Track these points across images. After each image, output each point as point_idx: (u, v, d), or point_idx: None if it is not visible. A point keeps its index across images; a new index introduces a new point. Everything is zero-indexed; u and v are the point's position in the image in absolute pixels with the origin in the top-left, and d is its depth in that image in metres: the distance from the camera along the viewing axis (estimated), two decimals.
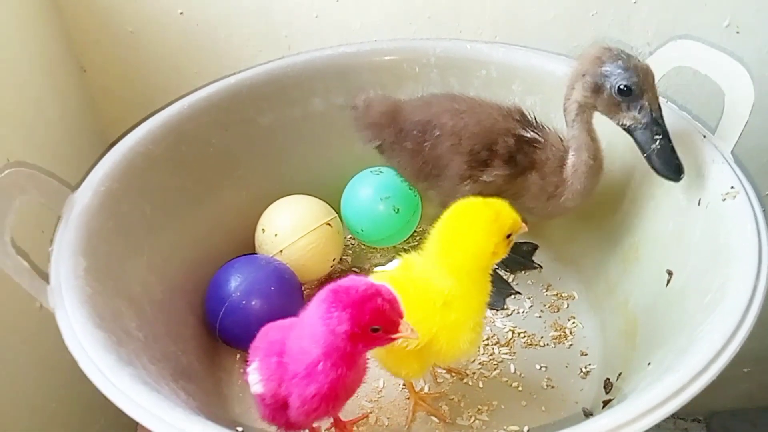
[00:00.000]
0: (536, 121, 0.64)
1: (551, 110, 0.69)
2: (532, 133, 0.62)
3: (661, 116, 0.55)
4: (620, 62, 0.54)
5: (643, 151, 0.55)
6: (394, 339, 0.45)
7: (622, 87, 0.53)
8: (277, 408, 0.49)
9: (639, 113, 0.54)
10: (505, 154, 0.62)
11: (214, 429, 0.39)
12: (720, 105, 0.58)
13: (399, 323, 0.44)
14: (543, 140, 0.62)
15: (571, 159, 0.60)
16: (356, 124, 0.69)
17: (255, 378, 0.49)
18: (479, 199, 0.51)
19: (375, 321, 0.43)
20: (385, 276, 0.55)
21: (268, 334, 0.52)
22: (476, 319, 0.53)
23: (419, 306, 0.51)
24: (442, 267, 0.51)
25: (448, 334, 0.51)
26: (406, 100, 0.69)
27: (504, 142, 0.61)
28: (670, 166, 0.54)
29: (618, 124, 0.56)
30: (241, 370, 0.66)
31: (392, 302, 0.44)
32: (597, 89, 0.55)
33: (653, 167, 0.55)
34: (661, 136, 0.54)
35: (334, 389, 0.46)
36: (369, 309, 0.43)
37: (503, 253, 0.52)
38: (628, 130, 0.56)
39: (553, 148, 0.62)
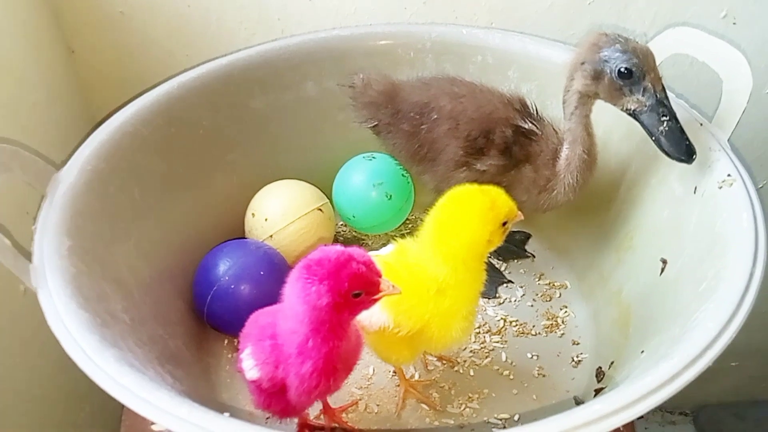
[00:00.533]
0: (536, 112, 0.63)
1: (547, 97, 0.69)
2: (530, 125, 0.61)
3: (666, 97, 0.54)
4: (618, 45, 0.53)
5: (651, 134, 0.54)
6: (377, 299, 0.44)
7: (622, 70, 0.52)
8: (274, 392, 0.49)
9: (643, 96, 0.53)
10: (501, 144, 0.61)
11: (200, 411, 0.38)
12: (717, 93, 0.57)
13: (379, 283, 0.44)
14: (540, 132, 0.61)
15: (565, 152, 0.59)
16: (353, 102, 0.68)
17: (249, 363, 0.48)
18: (475, 186, 0.51)
19: (355, 286, 0.43)
20: (379, 260, 0.54)
21: (258, 319, 0.51)
22: (469, 308, 0.52)
23: (413, 292, 0.50)
24: (437, 254, 0.51)
25: (441, 322, 0.51)
26: (404, 81, 0.68)
27: (501, 131, 0.61)
28: (681, 148, 0.53)
29: (623, 109, 0.55)
30: (230, 356, 0.65)
31: (368, 263, 0.43)
32: (597, 76, 0.54)
33: (663, 150, 0.53)
34: (668, 118, 0.53)
35: (331, 362, 0.46)
36: (346, 276, 0.42)
37: (498, 242, 0.51)
38: (634, 115, 0.54)
39: (548, 141, 0.61)
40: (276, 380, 0.47)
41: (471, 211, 0.49)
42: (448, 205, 0.51)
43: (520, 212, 0.50)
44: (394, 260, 0.53)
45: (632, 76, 0.53)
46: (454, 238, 0.50)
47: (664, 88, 0.54)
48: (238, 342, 0.52)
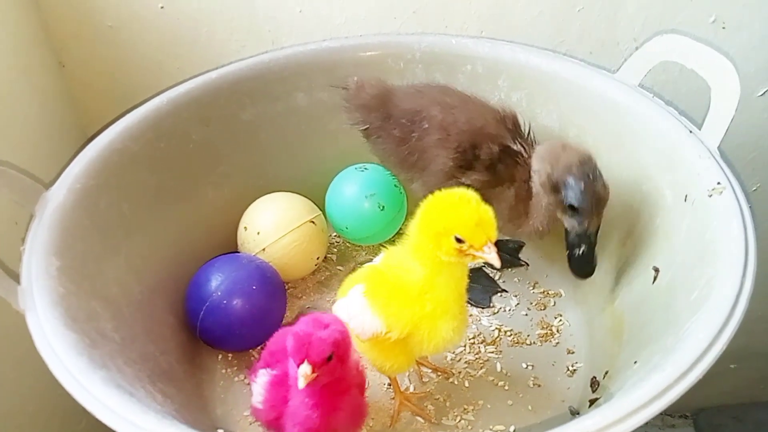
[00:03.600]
0: (528, 134, 0.63)
1: (537, 106, 0.69)
2: (518, 146, 0.62)
3: (596, 233, 0.59)
4: (582, 184, 0.56)
5: (567, 248, 0.61)
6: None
7: (570, 204, 0.57)
8: (271, 420, 0.50)
9: (578, 225, 0.58)
10: (486, 161, 0.61)
11: None
12: (706, 100, 0.57)
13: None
14: (527, 156, 0.61)
15: (534, 200, 0.61)
16: (346, 104, 0.68)
17: (258, 390, 0.51)
18: (461, 192, 0.49)
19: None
20: (369, 269, 0.54)
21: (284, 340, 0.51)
22: (455, 308, 0.51)
23: (397, 296, 0.50)
24: (415, 258, 0.50)
25: (429, 323, 0.51)
26: (398, 86, 0.67)
27: (488, 147, 0.61)
28: (580, 270, 0.61)
29: (560, 217, 0.59)
30: (224, 371, 0.65)
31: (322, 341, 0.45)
32: (555, 189, 0.58)
33: (569, 263, 0.61)
34: (585, 247, 0.59)
35: (325, 426, 0.47)
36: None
37: (449, 254, 0.48)
38: (565, 229, 0.60)
39: (530, 168, 0.61)
40: (274, 417, 0.49)
41: (428, 210, 0.49)
42: (425, 208, 0.50)
43: (489, 248, 0.47)
44: (382, 265, 0.54)
45: (577, 212, 0.57)
46: (423, 239, 0.49)
47: (598, 228, 0.59)
48: (258, 359, 0.54)
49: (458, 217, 0.47)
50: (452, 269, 0.49)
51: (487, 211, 0.47)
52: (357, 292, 0.52)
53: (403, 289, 0.50)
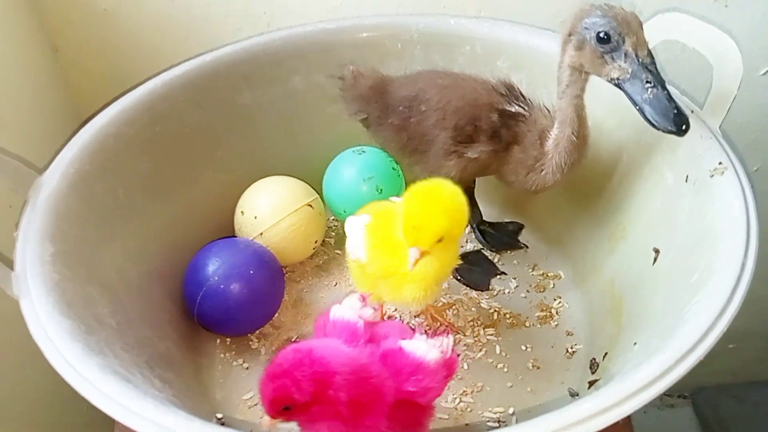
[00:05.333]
0: (522, 94, 0.62)
1: (537, 87, 0.68)
2: (516, 107, 0.61)
3: (653, 62, 0.50)
4: (598, 11, 0.51)
5: (634, 104, 0.51)
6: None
7: (600, 35, 0.50)
8: None
9: (624, 62, 0.50)
10: (488, 130, 0.60)
11: (185, 419, 0.38)
12: (708, 79, 0.56)
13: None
14: (527, 114, 0.60)
15: (554, 132, 0.58)
16: (343, 95, 0.68)
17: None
18: (433, 188, 0.51)
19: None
20: (386, 207, 0.56)
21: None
22: (427, 282, 0.53)
23: (387, 245, 0.53)
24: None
25: (397, 282, 0.53)
26: (393, 76, 0.67)
27: (488, 117, 0.60)
28: (668, 117, 0.49)
29: (608, 80, 0.52)
30: (222, 356, 0.64)
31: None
32: (581, 46, 0.52)
33: (648, 120, 0.50)
34: (652, 84, 0.50)
35: None
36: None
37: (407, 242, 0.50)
38: (618, 85, 0.51)
39: (536, 122, 0.60)
40: None
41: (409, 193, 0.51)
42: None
43: (414, 251, 0.49)
44: (398, 208, 0.54)
45: (611, 41, 0.50)
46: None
47: (650, 53, 0.51)
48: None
49: (406, 212, 0.50)
50: (438, 251, 0.51)
51: (432, 220, 0.49)
52: (362, 221, 0.55)
53: (395, 242, 0.52)
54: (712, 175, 0.52)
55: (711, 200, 0.51)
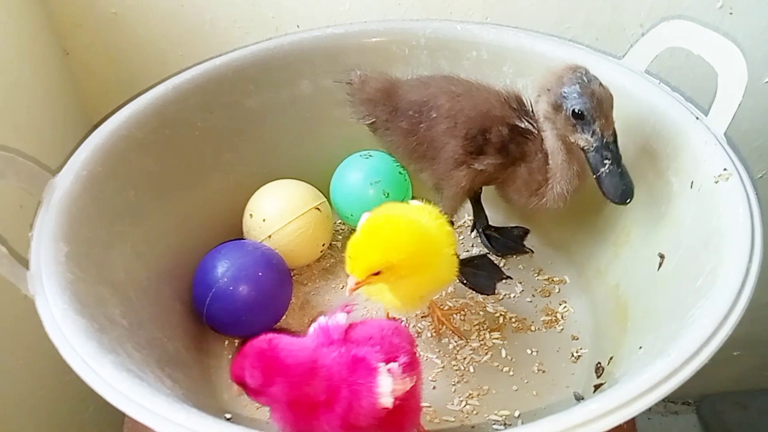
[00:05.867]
0: (533, 111, 0.63)
1: None
2: (526, 123, 0.62)
3: (614, 141, 0.56)
4: (578, 86, 0.54)
5: (593, 172, 0.57)
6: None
7: (576, 111, 0.54)
8: None
9: (591, 137, 0.55)
10: (497, 143, 0.61)
11: (197, 416, 0.38)
12: (713, 86, 0.57)
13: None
14: (536, 132, 0.61)
15: (551, 161, 0.60)
16: (350, 99, 0.68)
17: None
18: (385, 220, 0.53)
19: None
20: (390, 210, 0.57)
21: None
22: (403, 300, 0.55)
23: (375, 243, 0.52)
24: None
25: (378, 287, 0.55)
26: (402, 79, 0.68)
27: (498, 130, 0.61)
28: (616, 192, 0.56)
29: (574, 143, 0.57)
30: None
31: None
32: (556, 108, 0.56)
33: (601, 189, 0.57)
34: (610, 161, 0.56)
35: None
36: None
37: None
38: (583, 151, 0.57)
39: (542, 142, 0.60)
40: None
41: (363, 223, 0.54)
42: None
43: (350, 278, 0.51)
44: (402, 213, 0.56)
45: (584, 119, 0.55)
46: None
47: (614, 133, 0.55)
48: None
49: (351, 239, 0.51)
50: (395, 278, 0.52)
51: (365, 254, 0.50)
52: (366, 215, 0.55)
53: (380, 237, 0.52)
54: (717, 181, 0.52)
55: (716, 206, 0.52)
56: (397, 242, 0.51)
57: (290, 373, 0.45)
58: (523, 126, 0.61)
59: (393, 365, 0.46)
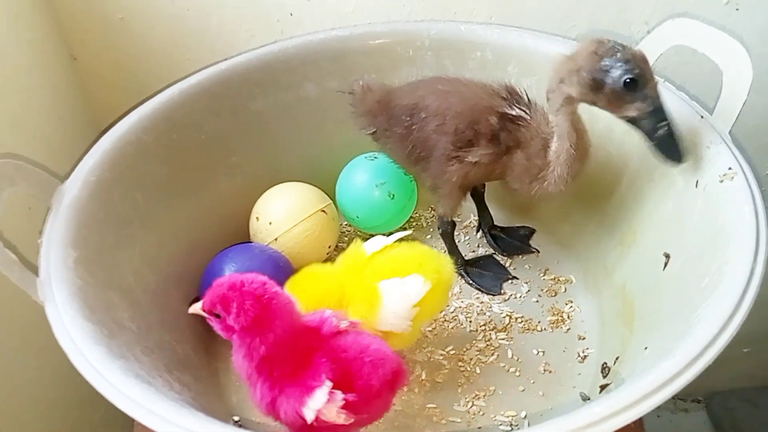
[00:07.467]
0: (527, 99, 0.63)
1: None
2: (518, 110, 0.61)
3: (661, 102, 0.53)
4: (619, 55, 0.52)
5: (649, 140, 0.54)
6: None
7: (627, 80, 0.52)
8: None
9: (644, 103, 0.53)
10: (488, 133, 0.61)
11: (204, 420, 0.39)
12: (718, 84, 0.57)
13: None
14: (530, 118, 0.61)
15: (554, 145, 0.59)
16: (353, 110, 0.69)
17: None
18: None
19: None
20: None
21: None
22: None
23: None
24: None
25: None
26: (397, 86, 0.68)
27: (487, 120, 0.61)
28: (680, 152, 0.54)
29: (620, 116, 0.54)
30: None
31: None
32: (596, 85, 0.53)
33: (661, 155, 0.54)
34: (665, 122, 0.53)
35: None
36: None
37: None
38: (632, 121, 0.54)
39: (539, 127, 0.60)
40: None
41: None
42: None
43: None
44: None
45: (637, 85, 0.52)
46: None
47: (658, 93, 0.53)
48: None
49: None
50: None
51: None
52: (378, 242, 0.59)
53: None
54: (722, 180, 0.52)
55: (721, 205, 0.52)
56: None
57: (282, 324, 0.45)
58: (513, 113, 0.61)
59: (338, 392, 0.45)
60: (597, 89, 0.53)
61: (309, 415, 0.45)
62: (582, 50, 0.54)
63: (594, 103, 0.55)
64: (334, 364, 0.46)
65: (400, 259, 0.56)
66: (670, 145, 0.54)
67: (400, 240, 0.58)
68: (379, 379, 0.47)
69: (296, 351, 0.46)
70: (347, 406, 0.45)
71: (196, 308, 0.46)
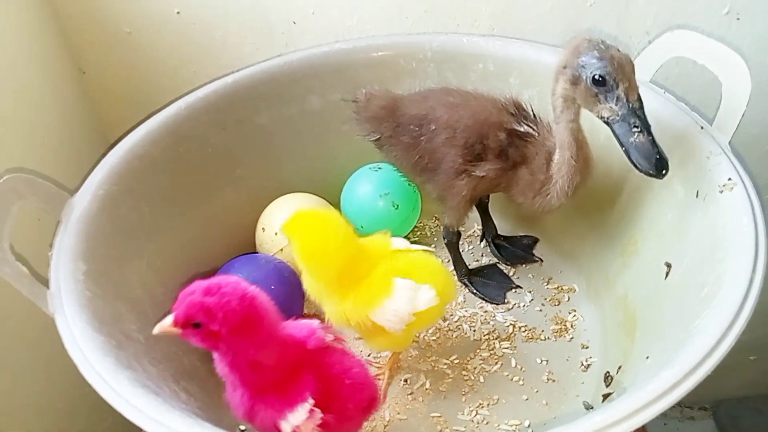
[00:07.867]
0: (533, 115, 0.64)
1: (548, 104, 0.69)
2: (525, 127, 0.62)
3: (641, 108, 0.53)
4: (595, 52, 0.52)
5: (621, 144, 0.53)
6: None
7: (596, 77, 0.52)
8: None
9: (615, 104, 0.52)
10: (496, 149, 0.62)
11: (211, 430, 0.40)
12: (718, 95, 0.57)
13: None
14: (536, 134, 0.62)
15: (556, 157, 0.60)
16: (356, 117, 0.69)
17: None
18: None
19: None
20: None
21: None
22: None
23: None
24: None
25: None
26: (404, 95, 0.69)
27: (495, 136, 0.61)
28: (650, 162, 0.52)
29: (598, 116, 0.55)
30: None
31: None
32: (575, 81, 0.54)
33: (632, 162, 0.53)
34: (639, 129, 0.52)
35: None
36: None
37: None
38: (608, 123, 0.54)
39: (543, 143, 0.61)
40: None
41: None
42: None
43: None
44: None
45: (605, 84, 0.52)
46: None
47: (639, 98, 0.53)
48: None
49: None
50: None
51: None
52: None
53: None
54: (722, 191, 0.53)
55: (720, 215, 0.52)
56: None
57: (269, 323, 0.43)
58: (522, 130, 0.62)
59: (318, 411, 0.45)
60: (575, 85, 0.54)
61: (286, 429, 0.45)
62: (569, 47, 0.55)
63: (575, 101, 0.55)
64: (318, 383, 0.46)
65: (418, 266, 0.57)
66: (643, 155, 0.52)
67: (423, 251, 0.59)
68: (356, 404, 0.48)
69: (282, 360, 0.45)
70: (323, 425, 0.45)
71: (164, 325, 0.42)
